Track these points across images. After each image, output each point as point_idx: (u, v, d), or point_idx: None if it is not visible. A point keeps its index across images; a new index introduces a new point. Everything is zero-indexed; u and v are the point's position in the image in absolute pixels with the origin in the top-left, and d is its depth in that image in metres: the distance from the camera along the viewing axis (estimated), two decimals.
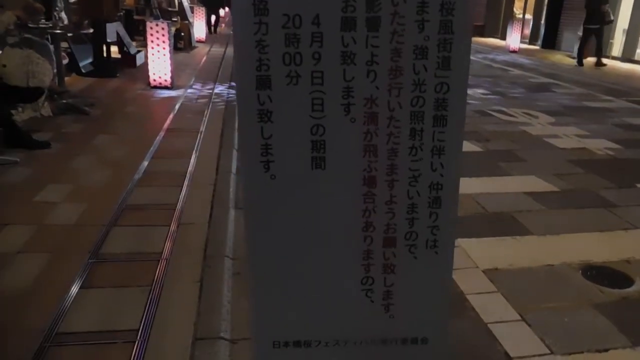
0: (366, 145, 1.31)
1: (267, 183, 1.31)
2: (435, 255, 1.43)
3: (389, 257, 1.42)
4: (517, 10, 19.38)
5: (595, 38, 12.14)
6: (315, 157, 1.31)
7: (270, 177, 1.30)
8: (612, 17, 12.15)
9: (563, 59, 13.89)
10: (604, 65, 12.19)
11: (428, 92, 1.28)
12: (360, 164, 1.33)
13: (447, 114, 1.31)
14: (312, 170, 1.32)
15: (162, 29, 7.14)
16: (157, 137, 5.13)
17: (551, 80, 10.08)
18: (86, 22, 7.44)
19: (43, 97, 5.26)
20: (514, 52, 14.91)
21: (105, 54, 8.40)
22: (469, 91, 8.42)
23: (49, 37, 6.02)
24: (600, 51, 12.38)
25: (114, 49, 9.13)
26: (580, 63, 12.25)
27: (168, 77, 7.42)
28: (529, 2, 18.47)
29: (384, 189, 1.35)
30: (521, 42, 16.30)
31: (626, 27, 13.59)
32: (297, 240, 1.38)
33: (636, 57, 13.27)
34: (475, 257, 3.05)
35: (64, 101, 5.84)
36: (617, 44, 14.01)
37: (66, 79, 6.87)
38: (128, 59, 9.17)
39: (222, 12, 18.95)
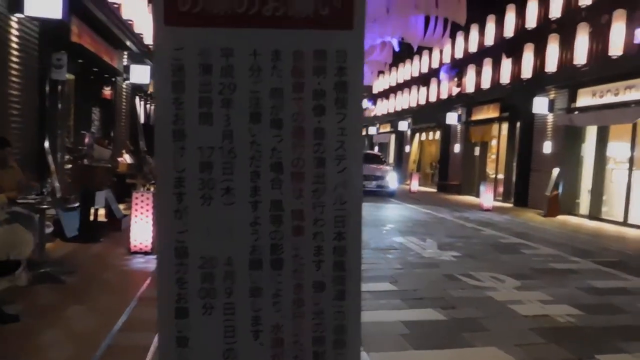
0: None
1: None
2: None
3: None
4: (490, 170, 20.49)
5: None
6: None
7: None
8: None
9: (534, 216, 14.51)
10: None
11: (326, 320, 1.49)
12: None
13: (345, 337, 1.50)
14: None
15: (147, 198, 7.54)
16: (129, 307, 5.22)
17: (521, 240, 10.46)
18: (73, 196, 7.85)
19: (20, 269, 5.42)
20: (487, 210, 15.54)
21: (92, 218, 8.72)
22: (441, 253, 8.71)
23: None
24: None
25: (102, 211, 9.49)
26: None
27: (149, 243, 7.67)
28: (500, 163, 19.61)
29: None
30: (495, 199, 17.10)
31: (590, 187, 14.43)
32: None
33: (602, 215, 13.89)
34: None
35: (42, 270, 5.99)
36: (584, 203, 14.74)
37: (50, 244, 7.09)
38: (114, 223, 9.47)
39: None
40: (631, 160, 13.26)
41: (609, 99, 13.47)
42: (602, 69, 13.25)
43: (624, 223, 12.89)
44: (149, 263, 7.18)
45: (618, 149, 14.04)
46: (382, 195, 18.54)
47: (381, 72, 26.33)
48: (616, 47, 12.42)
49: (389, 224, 12.19)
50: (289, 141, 1.42)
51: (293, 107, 1.41)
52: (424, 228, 11.77)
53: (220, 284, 1.45)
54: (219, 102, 1.40)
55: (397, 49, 16.44)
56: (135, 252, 7.66)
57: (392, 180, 19.37)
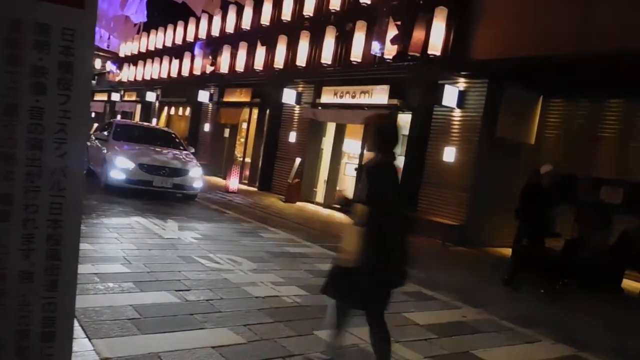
0: None
1: None
2: None
3: None
4: (239, 153, 21.14)
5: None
6: None
7: None
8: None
9: (276, 202, 15.44)
10: None
11: (33, 313, 1.38)
12: None
13: (55, 330, 1.42)
14: None
15: None
16: None
17: (261, 224, 11.05)
18: None
19: None
20: (233, 192, 16.04)
21: None
22: (181, 234, 8.72)
23: None
24: None
25: None
26: (512, 285, 8.15)
27: None
28: (248, 147, 20.36)
29: None
30: (241, 182, 17.73)
31: (326, 178, 15.93)
32: None
33: (334, 204, 15.45)
34: None
35: None
36: (320, 192, 16.21)
37: None
38: None
39: None
40: (361, 157, 14.96)
41: (347, 100, 14.98)
42: (344, 72, 14.64)
43: None
44: None
45: (351, 145, 15.74)
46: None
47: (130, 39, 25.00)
48: (357, 54, 13.83)
49: (127, 199, 11.68)
50: None
51: (6, 82, 1.27)
52: (166, 207, 11.60)
53: None
54: None
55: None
56: None
57: (196, 176, 12.92)
